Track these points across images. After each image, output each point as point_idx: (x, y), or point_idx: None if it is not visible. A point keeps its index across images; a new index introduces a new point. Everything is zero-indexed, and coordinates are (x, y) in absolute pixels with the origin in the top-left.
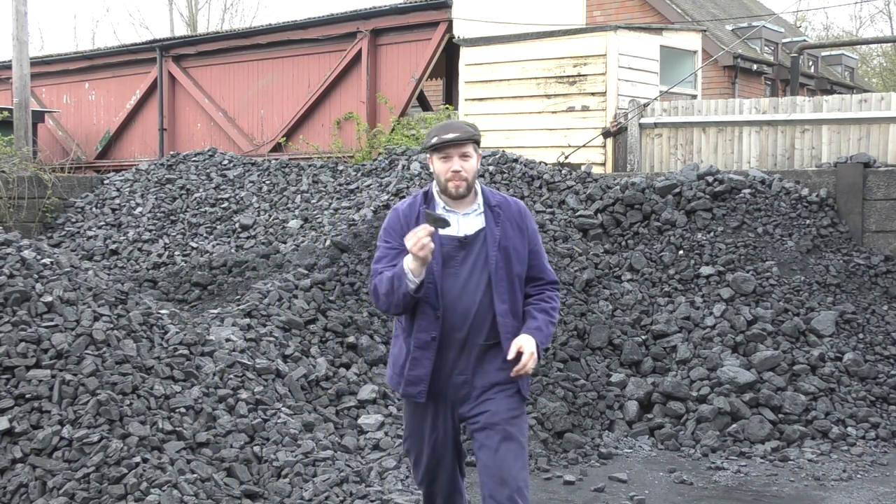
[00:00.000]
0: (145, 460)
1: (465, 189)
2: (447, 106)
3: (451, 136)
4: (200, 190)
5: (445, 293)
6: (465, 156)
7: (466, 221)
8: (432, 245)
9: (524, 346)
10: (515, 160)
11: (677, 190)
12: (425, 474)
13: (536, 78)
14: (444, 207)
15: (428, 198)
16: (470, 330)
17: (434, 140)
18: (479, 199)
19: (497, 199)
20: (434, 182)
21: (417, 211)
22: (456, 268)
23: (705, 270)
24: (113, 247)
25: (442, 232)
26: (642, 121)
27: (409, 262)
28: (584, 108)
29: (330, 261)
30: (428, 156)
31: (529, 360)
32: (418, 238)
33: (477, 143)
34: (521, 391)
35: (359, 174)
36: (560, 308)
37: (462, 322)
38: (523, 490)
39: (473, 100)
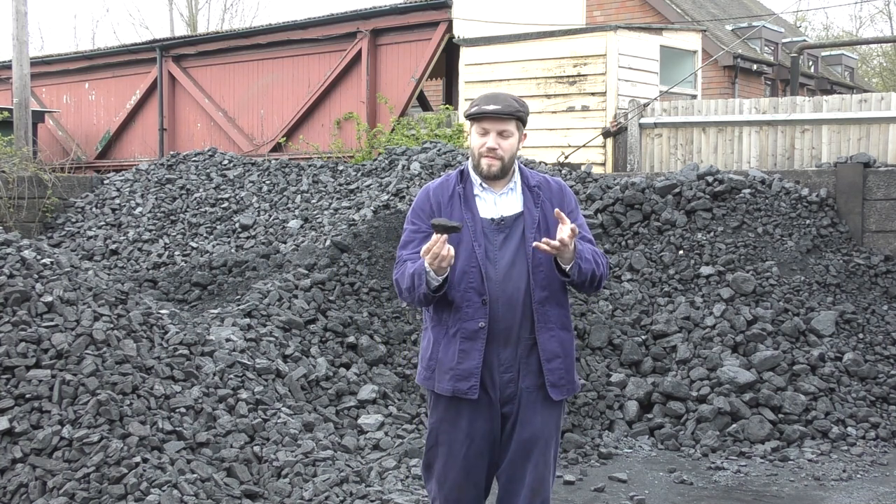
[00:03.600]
0: (145, 460)
1: (499, 170)
2: (447, 106)
3: (491, 107)
4: (200, 190)
5: (487, 280)
6: (504, 133)
7: (503, 202)
8: (451, 252)
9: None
10: None
11: (677, 190)
12: (450, 492)
13: (536, 78)
14: (480, 184)
15: (464, 176)
16: (513, 321)
17: (474, 109)
18: (517, 176)
19: (537, 179)
20: (470, 158)
21: (451, 190)
22: (495, 252)
23: (705, 270)
24: (113, 247)
25: (481, 214)
26: (642, 121)
27: (425, 246)
28: (584, 108)
29: (330, 261)
30: (468, 126)
31: (566, 240)
32: (433, 253)
33: (522, 121)
34: (566, 392)
35: (359, 174)
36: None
37: (506, 311)
38: (549, 499)
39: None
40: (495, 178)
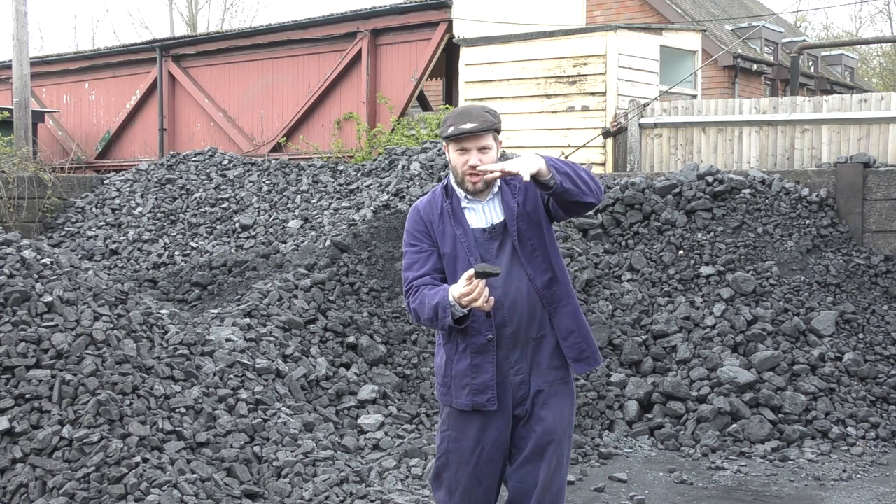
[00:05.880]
0: (145, 460)
1: (484, 185)
2: (447, 106)
3: (468, 126)
4: (200, 190)
5: (490, 289)
6: (483, 149)
7: (490, 209)
8: (492, 303)
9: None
10: None
11: (677, 190)
12: (461, 501)
13: (536, 78)
14: (466, 197)
15: (448, 192)
16: (519, 324)
17: (450, 130)
18: (498, 180)
19: None
20: (451, 173)
21: (440, 207)
22: (493, 261)
23: (705, 270)
24: (113, 247)
25: (473, 225)
26: (642, 121)
27: (455, 293)
28: (584, 108)
29: (330, 261)
30: (444, 143)
31: (510, 167)
32: (472, 298)
33: (497, 131)
34: (592, 363)
35: (359, 174)
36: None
37: (511, 316)
38: (563, 493)
39: (473, 100)
40: (481, 192)
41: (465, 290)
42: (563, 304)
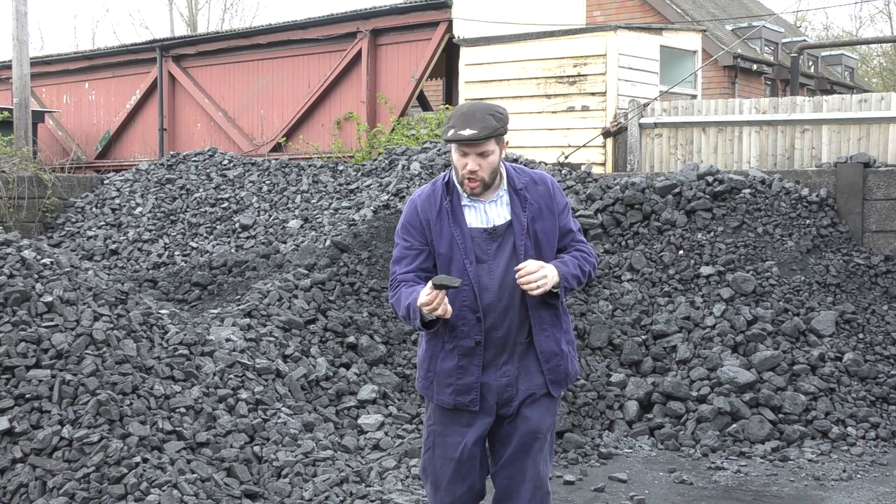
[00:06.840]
0: (145, 460)
1: (481, 189)
2: (447, 106)
3: (467, 133)
4: (200, 190)
5: (483, 291)
6: (484, 153)
7: (493, 210)
8: (449, 311)
9: (531, 265)
10: (515, 160)
11: (677, 190)
12: (445, 495)
13: (536, 78)
14: (467, 195)
15: (450, 188)
16: (510, 328)
17: (449, 133)
18: (504, 182)
19: (524, 180)
20: (453, 171)
21: (439, 205)
22: (489, 262)
23: (705, 270)
24: (113, 247)
25: (472, 224)
26: (642, 121)
27: (419, 301)
28: (584, 108)
29: (330, 261)
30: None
31: (534, 276)
32: (436, 305)
33: (501, 135)
34: (567, 383)
35: (359, 174)
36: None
37: (501, 320)
38: (549, 492)
39: (474, 100)
40: (479, 195)
41: (426, 299)
42: (553, 325)
